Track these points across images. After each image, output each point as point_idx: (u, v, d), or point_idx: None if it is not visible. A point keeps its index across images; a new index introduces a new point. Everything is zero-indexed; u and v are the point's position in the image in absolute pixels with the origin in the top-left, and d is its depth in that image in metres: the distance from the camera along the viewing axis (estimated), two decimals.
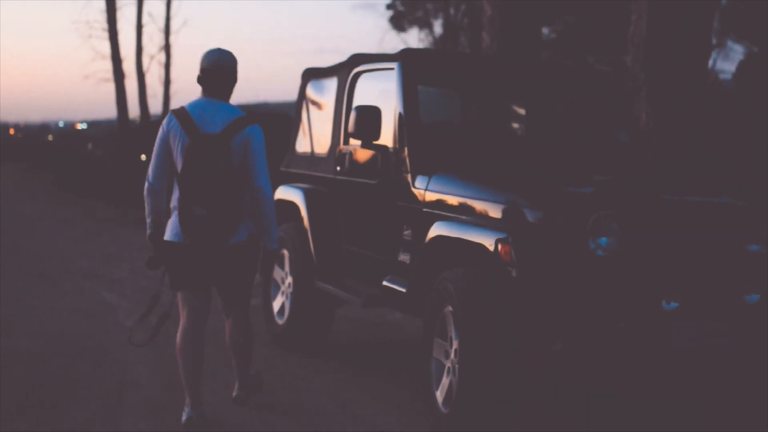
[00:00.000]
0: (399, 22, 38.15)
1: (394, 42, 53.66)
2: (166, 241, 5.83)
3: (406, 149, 6.51)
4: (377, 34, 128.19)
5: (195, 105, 5.84)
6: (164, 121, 5.86)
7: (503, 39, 11.46)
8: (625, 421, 6.31)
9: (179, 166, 5.74)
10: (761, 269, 5.46)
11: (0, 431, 5.63)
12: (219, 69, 5.86)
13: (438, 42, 36.49)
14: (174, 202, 5.83)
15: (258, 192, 5.80)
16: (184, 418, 5.84)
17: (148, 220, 5.89)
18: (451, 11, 35.97)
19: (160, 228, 5.88)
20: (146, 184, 5.86)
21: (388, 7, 38.21)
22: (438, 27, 37.49)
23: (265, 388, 6.65)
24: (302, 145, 8.48)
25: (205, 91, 5.90)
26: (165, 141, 5.82)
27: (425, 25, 37.78)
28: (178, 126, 5.75)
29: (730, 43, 29.66)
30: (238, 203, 5.72)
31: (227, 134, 5.71)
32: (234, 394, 6.35)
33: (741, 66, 25.95)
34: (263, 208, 5.85)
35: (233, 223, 5.70)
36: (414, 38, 43.35)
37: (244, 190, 5.81)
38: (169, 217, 5.91)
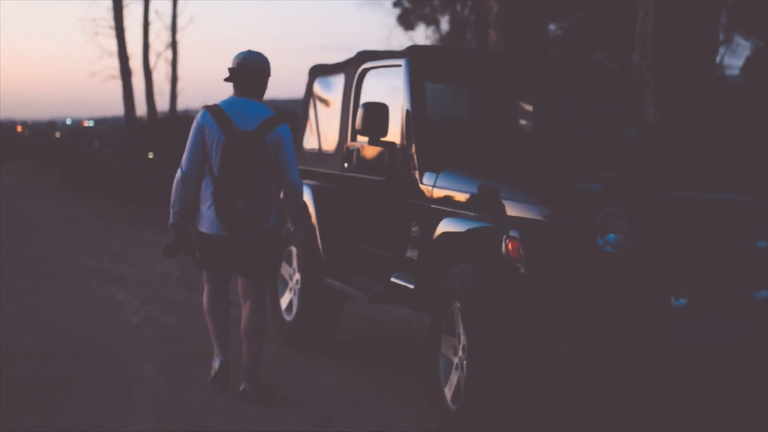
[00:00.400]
0: (406, 19, 38.19)
1: (400, 39, 53.69)
2: (204, 234, 6.30)
3: (413, 146, 6.50)
4: (384, 32, 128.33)
5: (228, 103, 6.26)
6: (198, 116, 6.26)
7: (510, 36, 11.48)
8: (625, 420, 6.30)
9: (216, 162, 6.16)
10: None
11: (7, 429, 5.64)
12: (243, 69, 6.26)
13: (445, 39, 36.50)
14: (205, 195, 6.26)
15: (293, 188, 6.34)
16: (216, 366, 6.46)
17: (173, 210, 6.30)
18: (458, 8, 35.99)
19: (183, 217, 6.32)
20: (179, 173, 6.27)
21: (395, 4, 38.24)
22: (445, 24, 37.53)
23: (273, 385, 6.64)
24: (309, 142, 8.48)
25: (235, 90, 6.33)
26: (200, 133, 6.22)
27: (432, 21, 37.82)
28: (214, 123, 6.17)
29: (737, 39, 29.62)
30: (270, 194, 6.23)
31: (261, 132, 6.16)
32: (241, 387, 6.40)
33: (748, 61, 25.91)
34: (296, 202, 6.43)
35: (267, 212, 6.22)
36: (421, 35, 43.34)
37: (273, 181, 6.26)
38: (195, 207, 6.34)
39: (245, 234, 6.19)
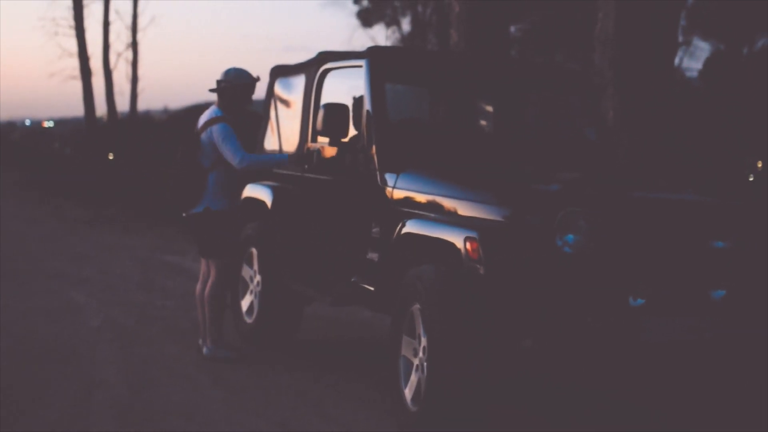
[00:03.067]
0: (367, 20, 38.18)
1: (363, 40, 53.59)
2: None
3: (374, 147, 6.50)
4: (346, 32, 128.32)
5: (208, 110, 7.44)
6: None
7: (471, 36, 11.50)
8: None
9: None
10: (726, 265, 5.49)
11: None
12: (218, 83, 7.35)
13: (406, 39, 36.54)
14: None
15: (239, 169, 7.24)
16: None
17: None
18: (419, 8, 36.04)
19: None
20: None
21: (355, 1, 38.24)
22: (406, 24, 37.57)
23: (233, 387, 6.64)
24: (270, 143, 8.46)
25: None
26: None
27: (393, 22, 37.84)
28: None
29: (696, 41, 29.86)
30: (194, 184, 7.21)
31: (199, 131, 7.27)
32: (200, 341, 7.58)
33: (707, 64, 26.12)
34: (255, 171, 7.64)
35: (189, 198, 7.23)
36: (382, 36, 43.35)
37: (211, 174, 7.24)
38: None
39: (185, 216, 7.35)
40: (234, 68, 7.39)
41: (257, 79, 7.49)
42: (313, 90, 7.57)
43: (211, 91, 7.39)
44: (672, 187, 6.18)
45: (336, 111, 6.66)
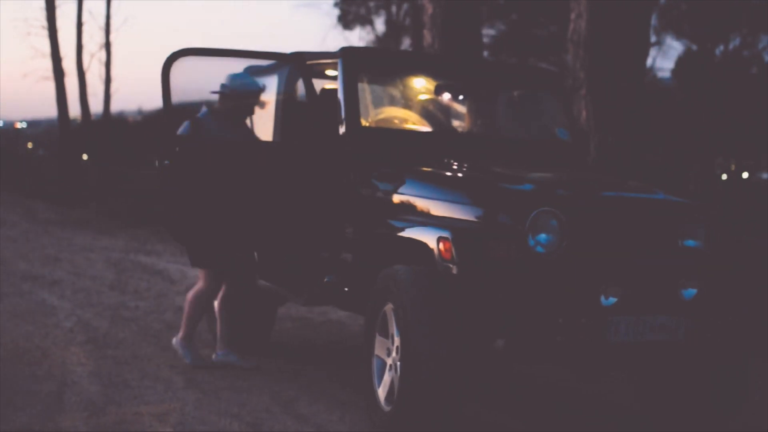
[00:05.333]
0: (346, 20, 38.30)
1: (337, 41, 53.67)
2: None
3: (347, 147, 6.50)
4: (320, 33, 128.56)
5: None
6: None
7: (445, 37, 11.50)
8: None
9: None
10: (697, 264, 5.52)
11: None
12: (222, 87, 7.01)
13: (380, 40, 36.60)
14: None
15: None
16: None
17: None
18: (393, 9, 36.11)
19: None
20: None
21: (336, 4, 38.37)
22: (380, 25, 37.66)
23: (207, 388, 6.63)
24: None
25: None
26: None
27: (367, 22, 37.92)
28: None
29: (668, 41, 30.04)
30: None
31: None
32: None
33: (679, 63, 26.25)
34: None
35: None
36: (356, 36, 43.41)
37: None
38: None
39: None
40: (240, 75, 7.08)
41: (263, 88, 7.18)
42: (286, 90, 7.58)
43: (213, 93, 7.08)
44: (643, 186, 6.20)
45: (299, 111, 6.65)
